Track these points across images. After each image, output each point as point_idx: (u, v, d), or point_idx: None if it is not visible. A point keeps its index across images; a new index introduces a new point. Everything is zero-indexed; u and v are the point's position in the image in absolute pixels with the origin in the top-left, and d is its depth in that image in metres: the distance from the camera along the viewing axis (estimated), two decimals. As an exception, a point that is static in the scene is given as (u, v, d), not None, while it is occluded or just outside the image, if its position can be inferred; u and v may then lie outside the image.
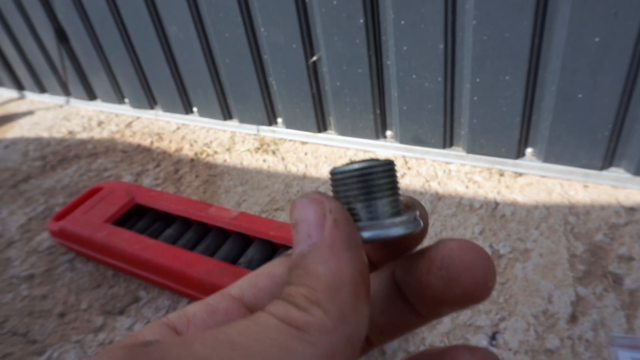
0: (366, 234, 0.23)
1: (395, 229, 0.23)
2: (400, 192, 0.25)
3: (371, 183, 0.23)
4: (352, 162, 0.24)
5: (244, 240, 1.17)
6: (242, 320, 0.19)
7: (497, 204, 1.27)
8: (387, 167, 0.24)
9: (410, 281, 0.24)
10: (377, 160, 0.24)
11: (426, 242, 0.24)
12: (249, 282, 0.26)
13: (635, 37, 1.03)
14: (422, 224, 0.24)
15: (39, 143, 1.97)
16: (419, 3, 1.19)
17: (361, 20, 1.28)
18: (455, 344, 0.23)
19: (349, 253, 0.20)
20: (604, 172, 1.26)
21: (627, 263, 1.05)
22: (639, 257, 1.06)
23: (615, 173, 1.25)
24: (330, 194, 0.24)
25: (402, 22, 1.24)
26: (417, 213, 0.24)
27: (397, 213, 0.24)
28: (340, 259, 0.20)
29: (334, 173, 0.24)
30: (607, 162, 1.25)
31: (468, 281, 0.22)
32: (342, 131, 1.56)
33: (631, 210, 1.18)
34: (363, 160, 0.24)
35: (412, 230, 0.23)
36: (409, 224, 0.23)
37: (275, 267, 0.26)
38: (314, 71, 1.48)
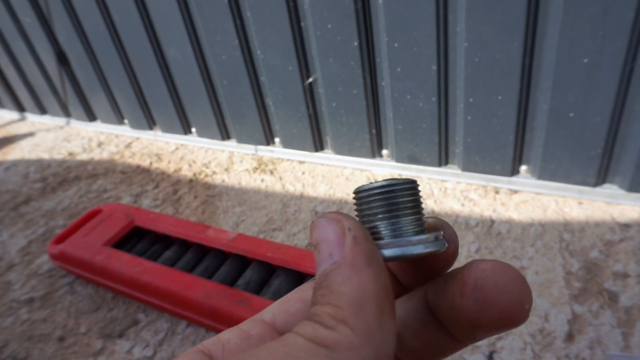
0: (388, 252, 0.23)
1: (417, 247, 0.23)
2: (424, 212, 0.25)
3: (393, 201, 0.24)
4: (375, 182, 0.25)
5: (242, 262, 1.17)
6: (271, 343, 0.19)
7: (492, 221, 1.28)
8: (410, 186, 0.24)
9: (443, 304, 0.23)
10: (400, 179, 0.24)
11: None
12: (280, 308, 0.26)
13: (624, 58, 1.05)
14: (446, 244, 0.24)
15: (40, 165, 1.98)
16: (411, 26, 1.21)
17: (355, 43, 1.31)
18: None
19: (370, 269, 0.21)
20: (598, 189, 1.27)
21: (622, 280, 1.06)
22: (634, 273, 1.07)
23: (609, 189, 1.26)
24: (354, 214, 0.25)
25: (396, 45, 1.26)
26: (441, 233, 0.24)
27: (420, 232, 0.24)
28: (362, 275, 0.20)
29: (357, 192, 0.25)
30: (600, 178, 1.27)
31: (504, 304, 0.21)
32: (339, 150, 1.58)
33: (625, 226, 1.19)
34: (386, 179, 0.24)
35: (435, 250, 0.23)
36: (431, 243, 0.23)
37: (305, 291, 0.26)
38: (310, 92, 1.50)
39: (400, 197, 0.24)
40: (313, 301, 0.21)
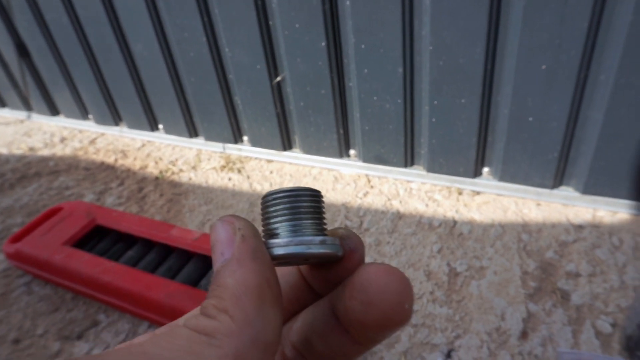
0: (280, 250, 0.24)
1: (309, 247, 0.24)
2: (325, 221, 0.27)
3: (295, 204, 0.25)
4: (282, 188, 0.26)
5: (206, 262, 1.17)
6: (158, 335, 0.20)
7: (455, 222, 1.31)
8: (312, 193, 0.26)
9: (340, 308, 0.25)
10: (305, 187, 0.26)
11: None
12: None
13: (578, 66, 1.09)
14: (340, 249, 0.25)
15: (-2, 160, 1.91)
16: (378, 28, 1.23)
17: (323, 44, 1.32)
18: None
19: (254, 263, 0.22)
20: (555, 191, 1.32)
21: (574, 279, 1.10)
22: (585, 273, 1.11)
23: (565, 192, 1.31)
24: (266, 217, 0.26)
25: (363, 46, 1.27)
26: (338, 239, 0.26)
27: (316, 236, 0.25)
28: (246, 268, 0.22)
29: (265, 196, 0.26)
30: (557, 181, 1.31)
31: (384, 304, 0.22)
32: (307, 150, 1.59)
33: (579, 227, 1.24)
34: (292, 186, 0.26)
35: (326, 252, 0.25)
36: (324, 245, 0.25)
37: None
38: (278, 91, 1.50)
39: (301, 202, 0.25)
40: (206, 297, 0.22)
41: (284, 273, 0.29)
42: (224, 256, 0.23)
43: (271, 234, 0.26)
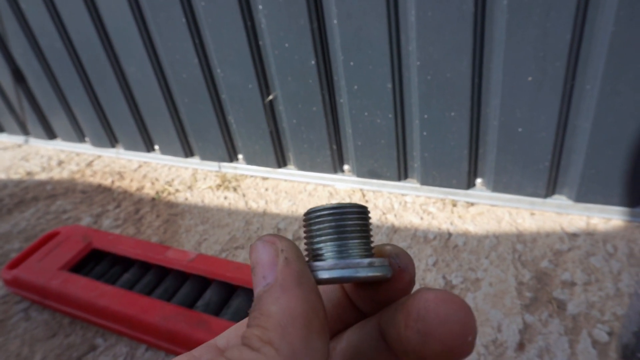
0: (325, 274, 0.22)
1: (357, 270, 0.23)
2: (372, 238, 0.25)
3: (340, 223, 0.24)
4: (326, 204, 0.25)
5: (202, 283, 1.17)
6: None
7: (450, 234, 1.32)
8: (358, 210, 0.24)
9: (391, 333, 0.23)
10: (350, 203, 0.25)
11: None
12: (235, 333, 0.26)
13: (564, 76, 1.11)
14: (390, 271, 0.24)
15: (-4, 185, 1.92)
16: (366, 45, 1.24)
17: (313, 62, 1.33)
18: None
19: (299, 290, 0.20)
20: (548, 200, 1.33)
21: (569, 288, 1.10)
22: (581, 282, 1.11)
23: (558, 200, 1.32)
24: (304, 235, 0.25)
25: (352, 63, 1.29)
26: (387, 260, 0.24)
27: (365, 257, 0.23)
28: (290, 295, 0.20)
29: (307, 213, 0.25)
30: (550, 190, 1.32)
31: (445, 336, 0.20)
32: (301, 166, 1.60)
33: (573, 235, 1.24)
34: (337, 203, 0.25)
35: (375, 275, 0.23)
36: (373, 268, 0.23)
37: None
38: (271, 109, 1.52)
39: (347, 220, 0.24)
40: (247, 324, 0.21)
41: (326, 290, 0.27)
42: (266, 280, 0.21)
43: (315, 254, 0.24)
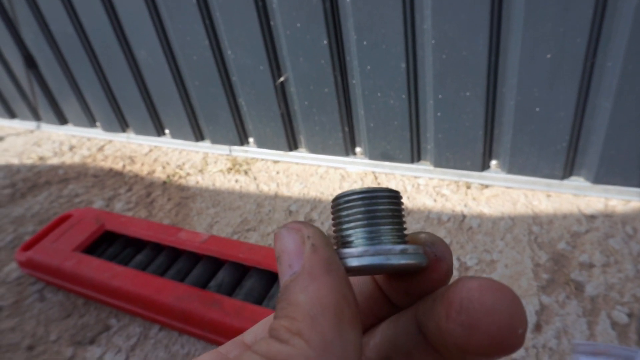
0: (355, 262, 0.21)
1: (388, 257, 0.21)
2: (405, 225, 0.23)
3: (371, 208, 0.22)
4: (355, 189, 0.23)
5: (215, 264, 1.17)
6: None
7: (464, 216, 1.30)
8: (390, 194, 0.23)
9: (430, 326, 0.21)
10: (381, 187, 0.23)
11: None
12: (262, 328, 0.25)
13: (584, 54, 1.07)
14: (426, 259, 0.22)
15: (9, 170, 1.94)
16: (379, 24, 1.22)
17: (325, 42, 1.31)
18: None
19: (328, 277, 0.19)
20: (565, 182, 1.30)
21: (588, 270, 1.08)
22: (599, 263, 1.09)
23: (576, 182, 1.29)
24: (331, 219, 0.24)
25: (365, 43, 1.27)
26: (422, 247, 0.23)
27: (397, 244, 0.22)
28: (319, 284, 0.19)
29: (336, 198, 0.23)
30: (567, 171, 1.29)
31: (492, 328, 0.19)
32: (313, 149, 1.58)
33: (591, 217, 1.22)
34: (368, 187, 0.23)
35: (409, 263, 0.21)
36: (407, 255, 0.21)
37: None
38: (282, 91, 1.50)
39: (379, 205, 0.22)
40: (274, 315, 0.20)
41: (357, 282, 0.26)
42: (292, 269, 0.20)
43: (344, 242, 0.23)
